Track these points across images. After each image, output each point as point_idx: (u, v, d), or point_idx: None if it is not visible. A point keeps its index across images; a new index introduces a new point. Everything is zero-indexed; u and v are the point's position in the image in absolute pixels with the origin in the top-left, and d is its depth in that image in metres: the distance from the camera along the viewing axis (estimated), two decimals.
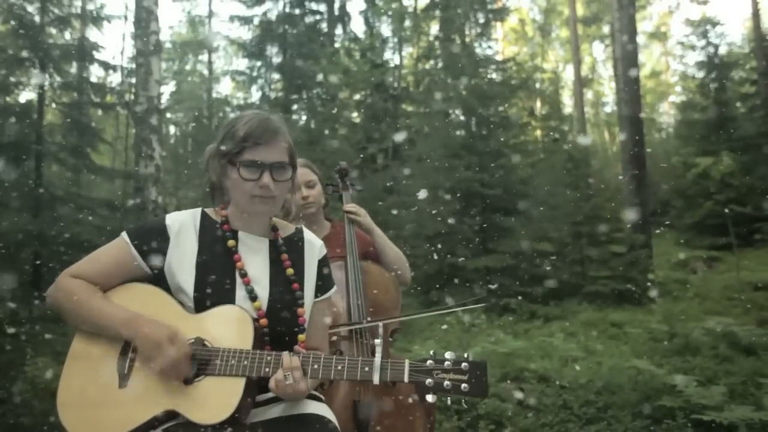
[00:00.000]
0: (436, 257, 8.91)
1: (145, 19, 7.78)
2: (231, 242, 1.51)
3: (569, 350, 4.74)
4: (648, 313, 6.83)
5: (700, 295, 8.06)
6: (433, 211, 9.35)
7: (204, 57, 19.94)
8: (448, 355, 1.35)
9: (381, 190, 11.26)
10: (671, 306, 7.22)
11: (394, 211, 9.69)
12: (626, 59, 10.61)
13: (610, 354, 4.69)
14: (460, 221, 9.04)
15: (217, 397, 1.34)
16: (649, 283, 8.03)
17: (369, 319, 2.09)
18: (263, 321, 1.46)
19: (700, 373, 3.64)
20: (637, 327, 5.72)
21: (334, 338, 2.03)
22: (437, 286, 8.49)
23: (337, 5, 17.94)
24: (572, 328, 6.27)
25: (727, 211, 9.83)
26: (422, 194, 8.34)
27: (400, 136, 12.46)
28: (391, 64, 16.94)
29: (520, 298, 7.69)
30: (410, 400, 1.99)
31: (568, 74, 28.15)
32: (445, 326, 6.15)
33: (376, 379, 1.34)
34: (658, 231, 14.50)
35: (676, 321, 5.17)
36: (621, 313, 7.10)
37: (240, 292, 1.46)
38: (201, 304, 1.43)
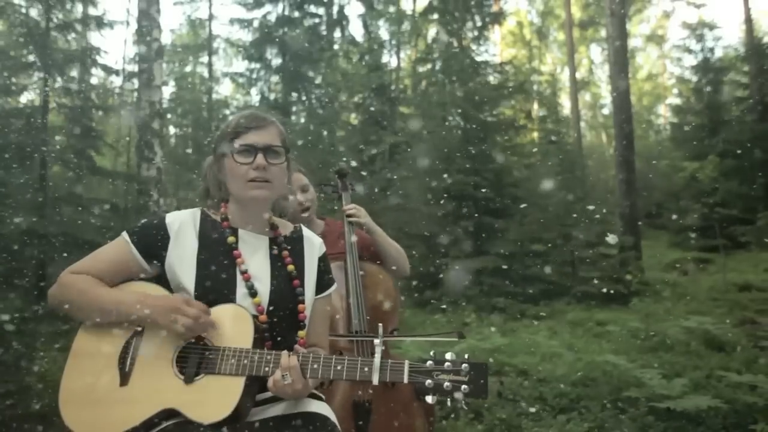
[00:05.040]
0: (430, 257, 9.12)
1: (147, 26, 7.99)
2: (231, 239, 1.52)
3: (552, 347, 4.94)
4: (633, 313, 7.04)
5: (686, 295, 8.26)
6: (429, 213, 9.56)
7: (204, 59, 20.15)
8: (448, 355, 1.34)
9: (378, 192, 11.47)
10: (658, 306, 7.44)
11: (390, 213, 9.90)
12: (618, 64, 10.84)
13: (590, 351, 4.90)
14: (454, 222, 9.25)
15: (217, 395, 1.35)
16: (628, 284, 8.25)
17: (368, 317, 2.12)
18: (263, 317, 1.46)
19: (669, 367, 3.86)
20: (620, 326, 5.92)
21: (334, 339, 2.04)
22: (431, 285, 8.70)
23: (335, 9, 18.18)
24: (559, 327, 6.47)
25: (713, 214, 10.03)
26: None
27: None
28: (389, 67, 17.15)
29: (510, 298, 7.90)
30: (409, 401, 2.03)
31: (566, 76, 28.34)
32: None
33: (375, 380, 1.33)
34: (651, 232, 14.78)
35: (654, 320, 5.38)
36: (608, 312, 7.30)
37: (240, 289, 1.47)
38: (202, 302, 1.43)
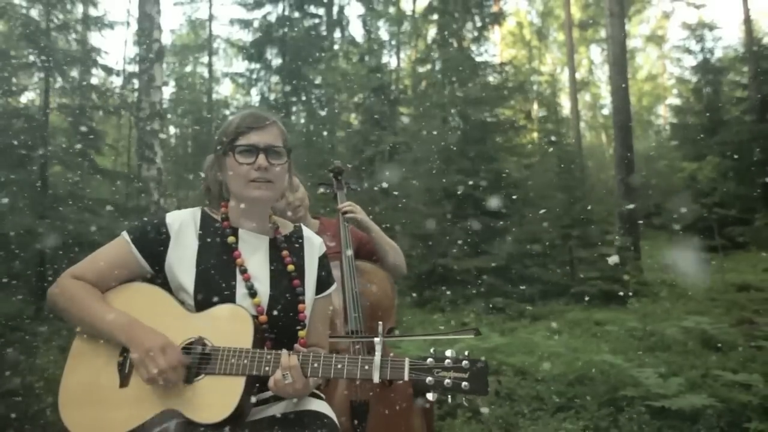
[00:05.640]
0: (429, 258, 9.15)
1: (147, 27, 8.02)
2: (231, 239, 1.52)
3: (550, 347, 4.97)
4: (631, 313, 7.06)
5: (685, 295, 8.30)
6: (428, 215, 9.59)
7: (204, 59, 20.22)
8: (448, 353, 1.35)
9: (377, 192, 11.50)
10: (656, 306, 7.47)
11: (389, 213, 9.93)
12: (617, 65, 10.87)
13: (588, 351, 4.93)
14: (453, 222, 9.28)
15: (217, 396, 1.35)
16: (625, 284, 8.29)
17: (359, 316, 2.10)
18: (263, 318, 1.46)
19: (666, 367, 3.88)
20: (618, 326, 5.95)
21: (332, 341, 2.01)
22: (430, 285, 8.74)
23: (335, 9, 18.22)
24: (557, 327, 6.50)
25: (711, 215, 10.07)
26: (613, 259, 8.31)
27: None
28: (389, 68, 17.19)
29: (509, 298, 7.93)
30: (407, 401, 2.02)
31: (565, 77, 28.37)
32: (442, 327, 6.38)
33: (376, 378, 1.33)
34: (650, 233, 14.81)
35: (652, 320, 5.41)
36: (606, 312, 7.33)
37: (240, 289, 1.46)
38: (201, 302, 1.43)
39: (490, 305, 7.82)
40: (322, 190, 2.61)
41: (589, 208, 9.47)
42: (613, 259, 8.02)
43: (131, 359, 1.38)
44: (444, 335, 2.09)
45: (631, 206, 9.97)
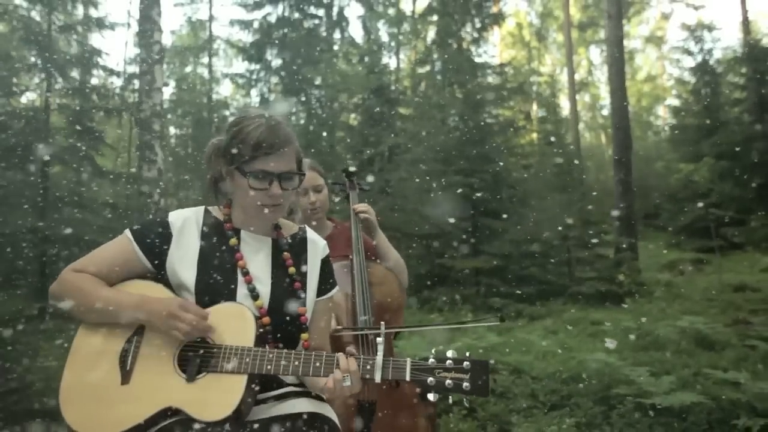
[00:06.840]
0: (427, 258, 9.20)
1: (148, 28, 8.07)
2: (233, 241, 1.52)
3: (546, 346, 5.02)
4: (628, 313, 7.12)
5: (682, 295, 8.35)
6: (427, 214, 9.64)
7: (204, 60, 20.25)
8: (449, 353, 1.35)
9: (376, 192, 11.54)
10: (652, 306, 7.53)
11: (388, 213, 9.97)
12: (616, 66, 10.92)
13: (584, 350, 4.98)
14: (451, 223, 9.33)
15: (219, 394, 1.34)
16: (621, 284, 8.34)
17: (373, 318, 2.10)
18: (266, 319, 1.47)
19: (659, 365, 3.94)
20: (615, 326, 6.00)
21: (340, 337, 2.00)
22: (428, 285, 8.78)
23: (335, 10, 18.26)
24: (554, 327, 6.55)
25: (708, 215, 10.12)
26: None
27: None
28: (389, 69, 17.23)
29: (506, 298, 7.98)
30: (413, 401, 2.05)
31: (565, 78, 28.39)
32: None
33: (377, 378, 1.35)
34: (649, 233, 14.87)
35: (648, 320, 5.46)
36: (603, 312, 7.38)
37: (241, 290, 1.47)
38: (202, 302, 1.42)
39: (488, 305, 7.87)
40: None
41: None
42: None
43: (155, 331, 1.40)
44: (466, 324, 2.08)
45: (628, 207, 10.03)
